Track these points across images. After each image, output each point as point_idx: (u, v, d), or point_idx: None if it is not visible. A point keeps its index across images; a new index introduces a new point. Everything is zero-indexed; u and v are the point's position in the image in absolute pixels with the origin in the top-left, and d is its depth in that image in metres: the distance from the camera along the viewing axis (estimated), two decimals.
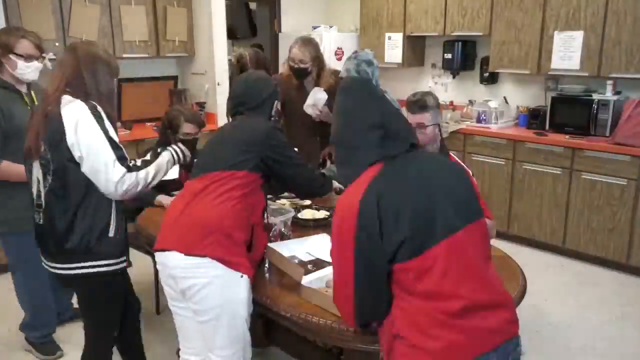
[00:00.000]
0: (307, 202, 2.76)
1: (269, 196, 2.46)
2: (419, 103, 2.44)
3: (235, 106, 2.19)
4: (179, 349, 2.40)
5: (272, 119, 2.23)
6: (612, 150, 3.86)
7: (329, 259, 2.06)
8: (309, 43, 3.22)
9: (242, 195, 1.94)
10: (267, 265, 2.08)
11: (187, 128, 2.96)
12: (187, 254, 1.86)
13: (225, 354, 1.97)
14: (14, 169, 2.51)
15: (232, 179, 1.95)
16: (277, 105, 2.25)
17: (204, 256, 1.85)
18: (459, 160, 2.60)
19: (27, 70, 2.53)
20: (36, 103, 2.63)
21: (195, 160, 2.22)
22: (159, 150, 2.36)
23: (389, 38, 5.30)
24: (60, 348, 2.90)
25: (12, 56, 2.49)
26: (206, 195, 1.94)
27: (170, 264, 1.93)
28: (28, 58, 2.52)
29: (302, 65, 3.18)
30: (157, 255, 1.99)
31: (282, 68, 3.71)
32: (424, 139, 2.44)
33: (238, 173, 1.96)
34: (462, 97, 5.25)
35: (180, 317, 2.09)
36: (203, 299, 1.89)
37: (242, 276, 1.89)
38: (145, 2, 4.54)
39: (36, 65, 2.56)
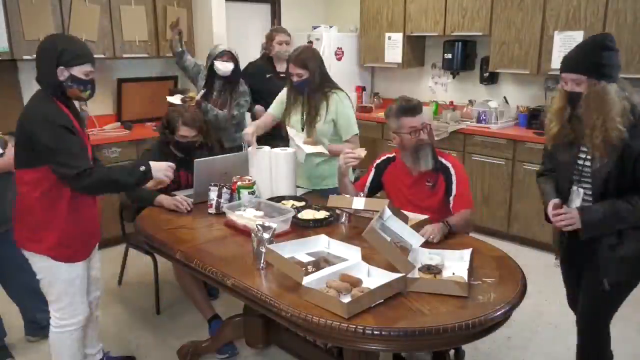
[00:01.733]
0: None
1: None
2: (414, 104, 2.53)
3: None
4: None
5: (67, 89, 2.09)
6: None
7: (329, 259, 2.08)
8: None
9: (40, 193, 2.13)
10: (262, 264, 2.06)
11: (184, 131, 2.94)
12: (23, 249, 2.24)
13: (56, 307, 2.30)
14: None
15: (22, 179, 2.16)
16: (64, 71, 2.06)
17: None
18: (448, 156, 2.59)
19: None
20: None
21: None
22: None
23: (389, 38, 5.30)
24: (11, 355, 2.81)
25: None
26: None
27: None
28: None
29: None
30: None
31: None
32: (425, 139, 2.49)
33: (27, 173, 2.13)
34: (462, 97, 5.25)
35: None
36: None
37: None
38: (145, 2, 4.54)
39: None
